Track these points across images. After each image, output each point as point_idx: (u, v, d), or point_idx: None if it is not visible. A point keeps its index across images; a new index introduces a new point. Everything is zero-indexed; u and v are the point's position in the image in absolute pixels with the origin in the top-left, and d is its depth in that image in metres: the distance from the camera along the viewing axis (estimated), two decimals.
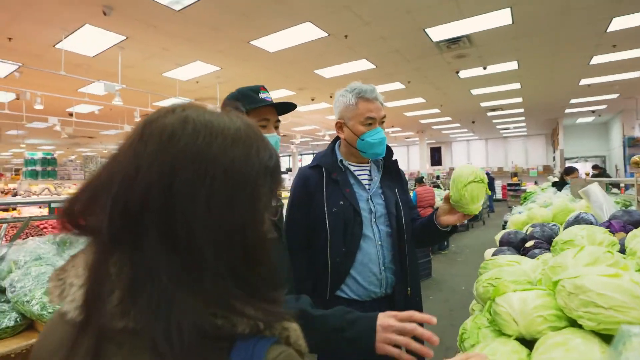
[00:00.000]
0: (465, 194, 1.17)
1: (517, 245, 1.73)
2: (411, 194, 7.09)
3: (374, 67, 6.68)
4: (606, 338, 0.65)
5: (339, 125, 1.40)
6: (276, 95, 8.57)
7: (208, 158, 0.39)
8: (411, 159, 20.97)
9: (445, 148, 20.33)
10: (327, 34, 5.19)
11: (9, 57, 5.57)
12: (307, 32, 5.13)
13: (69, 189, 6.67)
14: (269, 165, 0.44)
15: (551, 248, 1.21)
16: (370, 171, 1.44)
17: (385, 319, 0.77)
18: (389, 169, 1.45)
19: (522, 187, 13.68)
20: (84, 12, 4.42)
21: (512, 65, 6.86)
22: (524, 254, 1.58)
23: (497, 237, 1.99)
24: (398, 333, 0.74)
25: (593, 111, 11.90)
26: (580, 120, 14.04)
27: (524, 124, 14.72)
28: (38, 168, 7.04)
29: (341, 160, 1.40)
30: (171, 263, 0.36)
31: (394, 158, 1.47)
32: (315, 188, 1.36)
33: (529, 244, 1.64)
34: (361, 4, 4.37)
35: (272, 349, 0.39)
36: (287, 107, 1.20)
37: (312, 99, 9.18)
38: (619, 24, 5.01)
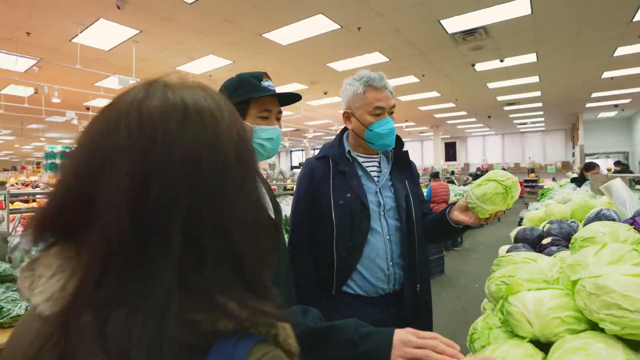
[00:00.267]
0: (484, 197, 1.12)
1: (533, 242, 1.66)
2: (425, 188, 7.02)
3: (388, 60, 6.57)
4: (631, 344, 0.60)
5: (347, 116, 1.35)
6: (288, 88, 8.54)
7: (221, 143, 0.37)
8: (425, 154, 20.70)
9: (460, 143, 19.97)
10: (339, 26, 5.11)
11: (28, 52, 5.70)
12: (319, 25, 5.06)
13: None
14: (252, 145, 0.42)
15: (570, 245, 1.14)
16: (379, 163, 1.39)
17: (404, 334, 0.72)
18: (399, 161, 1.40)
19: (540, 184, 13.32)
20: (98, 6, 4.46)
21: (531, 58, 6.63)
22: (540, 252, 1.51)
23: (512, 234, 1.92)
24: (417, 349, 0.69)
25: (616, 105, 11.47)
26: (602, 114, 13.57)
27: (542, 119, 14.32)
28: (58, 161, 7.21)
29: (349, 151, 1.35)
30: (183, 263, 0.34)
31: (404, 149, 1.41)
32: (321, 180, 1.32)
33: (545, 241, 1.57)
34: None
35: (255, 349, 0.35)
36: (291, 98, 1.13)
37: (325, 93, 9.11)
38: None
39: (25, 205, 4.26)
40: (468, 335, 0.89)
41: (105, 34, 5.30)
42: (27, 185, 7.89)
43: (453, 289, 4.63)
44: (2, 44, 5.37)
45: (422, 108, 11.40)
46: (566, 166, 15.72)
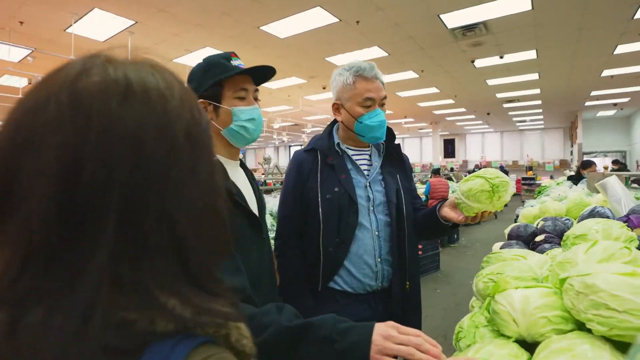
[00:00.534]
0: (469, 193, 1.09)
1: (527, 239, 1.64)
2: (423, 184, 6.97)
3: (387, 54, 6.51)
4: (619, 345, 0.58)
5: (336, 107, 1.31)
6: (287, 82, 8.48)
7: (170, 123, 0.34)
8: (424, 151, 20.66)
9: (459, 140, 19.94)
10: (338, 20, 5.05)
11: (21, 42, 5.61)
12: (317, 18, 4.99)
13: None
14: (202, 117, 0.38)
15: (562, 243, 1.12)
16: (370, 156, 1.35)
17: (385, 328, 0.68)
18: (391, 154, 1.36)
19: (537, 182, 13.33)
20: None
21: (531, 55, 6.58)
22: (533, 249, 1.49)
23: (507, 231, 1.90)
24: (399, 345, 0.66)
25: (615, 104, 11.44)
26: (601, 113, 13.55)
27: (541, 117, 14.29)
28: None
29: (338, 144, 1.31)
30: (117, 252, 0.31)
31: (396, 142, 1.38)
32: (309, 173, 1.28)
33: (539, 238, 1.54)
34: None
35: (197, 352, 0.32)
36: (264, 73, 1.06)
37: (324, 88, 9.04)
38: None
39: None
40: (454, 333, 0.87)
41: (100, 25, 5.21)
42: None
43: (448, 285, 4.63)
44: None
45: (422, 104, 11.34)
46: (564, 164, 15.72)
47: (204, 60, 1.03)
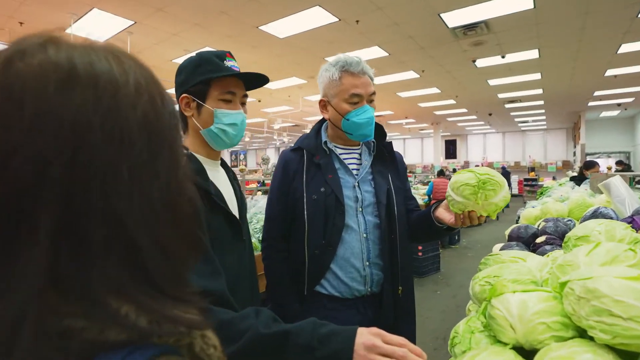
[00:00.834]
0: (454, 184, 1.04)
1: (527, 240, 1.60)
2: (425, 185, 6.89)
3: (387, 54, 6.47)
4: (623, 355, 0.54)
5: (323, 104, 1.25)
6: (287, 83, 8.45)
7: (121, 112, 0.30)
8: (425, 152, 20.59)
9: (461, 141, 19.86)
10: (337, 19, 5.01)
11: None
12: (317, 17, 4.96)
13: None
14: (171, 113, 0.35)
15: (563, 244, 1.07)
16: (360, 155, 1.30)
17: (368, 336, 0.64)
18: (382, 153, 1.30)
19: (539, 183, 13.25)
20: None
21: (533, 54, 6.53)
22: (533, 250, 1.45)
23: (507, 232, 1.85)
24: (383, 356, 0.62)
25: (619, 104, 11.35)
26: (605, 113, 13.45)
27: (543, 117, 14.20)
28: None
29: (325, 142, 1.26)
30: (56, 255, 0.27)
31: (388, 140, 1.33)
32: (295, 173, 1.23)
33: (540, 239, 1.50)
34: None
35: None
36: (257, 80, 1.03)
37: None
38: None
39: None
40: (449, 338, 0.83)
41: (99, 25, 5.20)
42: None
43: (448, 287, 4.57)
44: None
45: (422, 104, 11.28)
46: (567, 165, 15.63)
47: (197, 54, 0.99)
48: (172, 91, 0.81)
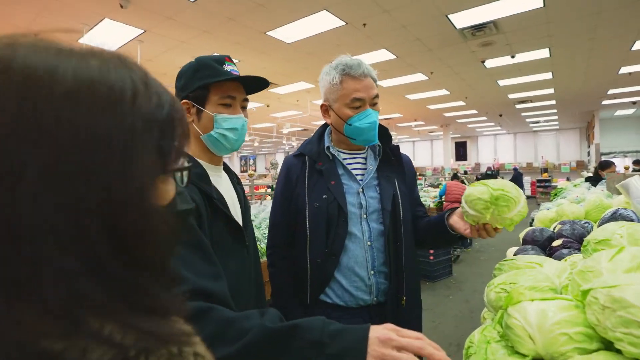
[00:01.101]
0: (468, 197, 1.01)
1: (543, 244, 1.55)
2: (435, 188, 6.79)
3: (395, 57, 6.44)
4: None
5: (325, 109, 1.22)
6: (295, 87, 8.47)
7: (38, 114, 0.27)
8: (435, 154, 20.40)
9: (471, 143, 19.63)
10: (344, 23, 5.01)
11: None
12: (324, 21, 4.97)
13: None
14: (155, 116, 0.32)
15: (582, 248, 1.03)
16: (365, 159, 1.26)
17: (383, 331, 0.61)
18: (388, 157, 1.26)
19: (553, 184, 12.99)
20: (102, 6, 4.46)
21: (544, 53, 6.42)
22: (550, 255, 1.40)
23: (522, 235, 1.80)
24: (398, 350, 0.59)
25: (634, 102, 11.08)
26: (619, 112, 13.16)
27: (555, 117, 13.95)
28: None
29: (328, 148, 1.23)
30: None
31: (395, 144, 1.28)
32: (297, 180, 1.20)
33: (556, 243, 1.45)
34: None
35: None
36: (257, 84, 1.01)
37: None
38: None
39: None
40: (464, 348, 0.79)
41: (110, 34, 5.31)
42: None
43: (461, 292, 4.49)
44: None
45: (431, 106, 11.20)
46: (581, 166, 15.30)
47: (195, 59, 0.98)
48: None
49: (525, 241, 1.64)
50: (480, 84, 8.58)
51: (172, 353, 0.30)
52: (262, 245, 2.47)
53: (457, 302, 4.14)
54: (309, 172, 1.20)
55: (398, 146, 1.29)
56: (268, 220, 2.82)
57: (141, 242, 0.30)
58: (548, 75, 7.90)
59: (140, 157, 0.31)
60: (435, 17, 4.92)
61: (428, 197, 7.96)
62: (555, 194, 4.49)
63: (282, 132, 13.91)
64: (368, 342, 0.60)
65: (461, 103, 10.75)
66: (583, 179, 5.11)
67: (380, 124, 1.22)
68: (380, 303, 1.16)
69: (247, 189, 5.57)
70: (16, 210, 0.26)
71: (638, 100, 10.80)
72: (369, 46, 5.95)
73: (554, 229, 1.70)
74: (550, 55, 6.52)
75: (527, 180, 15.67)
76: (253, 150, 25.30)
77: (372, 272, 1.15)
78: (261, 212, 2.95)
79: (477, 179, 12.53)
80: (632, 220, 1.32)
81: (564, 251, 1.33)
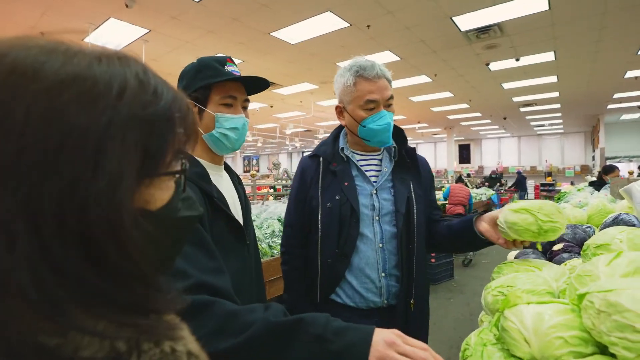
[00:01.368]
0: (513, 226, 0.97)
1: (544, 248, 1.54)
2: (438, 190, 6.81)
3: (399, 59, 6.44)
4: None
5: (339, 110, 1.23)
6: (299, 88, 8.49)
7: (12, 106, 0.27)
8: (438, 157, 20.35)
9: (475, 145, 19.57)
10: (348, 24, 5.02)
11: None
12: (328, 22, 4.98)
13: None
14: (145, 114, 0.32)
15: (582, 253, 1.02)
16: (381, 161, 1.26)
17: (390, 334, 0.62)
18: (404, 159, 1.25)
19: (557, 188, 12.92)
20: (107, 6, 4.49)
21: (549, 56, 6.39)
22: (550, 259, 1.39)
23: None
24: (403, 356, 0.59)
25: None
26: (625, 116, 13.07)
27: (560, 121, 13.88)
28: None
29: (342, 149, 1.24)
30: None
31: (411, 146, 1.28)
32: (311, 181, 1.22)
33: (557, 247, 1.44)
34: None
35: None
36: (258, 84, 1.02)
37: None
38: None
39: None
40: (460, 350, 0.79)
41: (116, 34, 5.35)
42: None
43: (462, 294, 4.47)
44: None
45: (435, 109, 11.18)
46: (585, 170, 15.21)
47: (197, 60, 1.00)
48: None
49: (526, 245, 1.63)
50: (485, 86, 8.56)
51: (165, 352, 0.30)
52: (262, 245, 2.48)
53: (458, 305, 4.13)
54: (323, 173, 1.21)
55: (414, 148, 1.29)
56: (269, 221, 2.82)
57: (114, 245, 0.29)
58: (553, 79, 7.87)
59: (116, 155, 0.29)
60: (439, 19, 4.92)
61: None
62: (559, 198, 4.46)
63: (286, 133, 13.93)
64: (372, 341, 0.60)
65: (465, 106, 10.72)
66: (587, 184, 5.08)
67: (395, 126, 1.23)
68: (391, 306, 1.16)
69: (249, 189, 5.58)
70: None
71: None
72: (373, 47, 5.96)
73: None
74: (555, 59, 6.49)
75: (530, 183, 15.59)
76: (256, 151, 25.36)
77: (383, 274, 1.15)
78: (263, 213, 2.95)
79: (482, 182, 12.50)
80: (633, 225, 1.31)
81: (565, 255, 1.33)
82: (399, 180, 1.22)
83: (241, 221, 1.00)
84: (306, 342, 0.61)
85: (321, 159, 1.23)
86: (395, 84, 8.00)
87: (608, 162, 11.93)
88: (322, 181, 1.20)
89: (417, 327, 1.19)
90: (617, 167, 4.75)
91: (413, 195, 1.20)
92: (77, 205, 0.27)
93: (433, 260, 4.82)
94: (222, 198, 0.94)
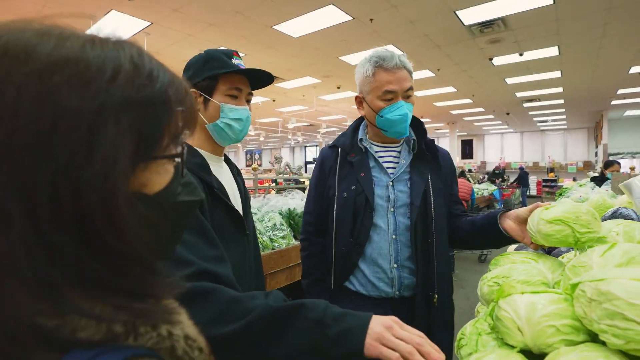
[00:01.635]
0: (546, 236, 0.89)
1: None
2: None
3: (402, 53, 6.39)
4: None
5: (359, 101, 1.25)
6: (301, 82, 8.46)
7: (3, 88, 0.28)
8: None
9: (478, 141, 19.50)
10: (351, 18, 4.99)
11: None
12: (330, 16, 4.95)
13: None
14: (139, 97, 0.32)
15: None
16: (400, 153, 1.26)
17: (387, 319, 0.63)
18: (423, 152, 1.25)
19: (559, 184, 12.88)
20: None
21: (552, 51, 6.34)
22: (549, 252, 1.40)
23: None
24: (398, 340, 0.60)
25: None
26: (629, 112, 12.98)
27: (563, 117, 13.80)
28: None
29: (360, 140, 1.25)
30: None
31: (430, 138, 1.28)
32: (329, 170, 1.25)
33: None
34: None
35: None
36: (261, 79, 1.05)
37: (338, 87, 8.98)
38: None
39: None
40: (456, 340, 0.81)
41: (117, 26, 5.33)
42: None
43: (463, 289, 4.50)
44: None
45: (438, 104, 11.13)
46: (588, 166, 15.14)
47: (204, 52, 1.02)
48: None
49: None
50: (488, 81, 8.51)
51: (162, 335, 0.31)
52: (264, 238, 2.50)
53: (458, 298, 4.14)
54: (341, 164, 1.23)
55: (433, 140, 1.28)
56: (270, 214, 2.84)
57: (109, 228, 0.29)
58: (557, 74, 7.82)
59: (110, 138, 0.29)
60: (443, 13, 4.88)
61: None
62: (560, 194, 4.46)
63: (288, 127, 13.93)
64: (369, 326, 0.62)
65: (468, 101, 10.67)
66: (589, 179, 5.07)
67: (415, 117, 1.23)
68: (404, 297, 1.17)
69: (251, 183, 5.59)
70: None
71: None
72: (376, 41, 5.92)
73: None
74: (559, 54, 6.44)
75: (533, 179, 15.55)
76: (259, 145, 25.36)
77: (395, 265, 1.17)
78: (264, 206, 2.97)
79: (485, 177, 12.44)
80: (631, 219, 1.32)
81: (563, 249, 1.34)
82: (416, 173, 1.22)
83: (241, 212, 1.02)
84: (306, 327, 0.63)
85: (339, 149, 1.26)
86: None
87: (611, 158, 11.87)
88: (340, 171, 1.23)
89: (441, 322, 1.19)
90: (617, 162, 4.75)
91: (431, 188, 1.20)
92: (72, 188, 0.27)
93: None
94: (222, 188, 0.96)
